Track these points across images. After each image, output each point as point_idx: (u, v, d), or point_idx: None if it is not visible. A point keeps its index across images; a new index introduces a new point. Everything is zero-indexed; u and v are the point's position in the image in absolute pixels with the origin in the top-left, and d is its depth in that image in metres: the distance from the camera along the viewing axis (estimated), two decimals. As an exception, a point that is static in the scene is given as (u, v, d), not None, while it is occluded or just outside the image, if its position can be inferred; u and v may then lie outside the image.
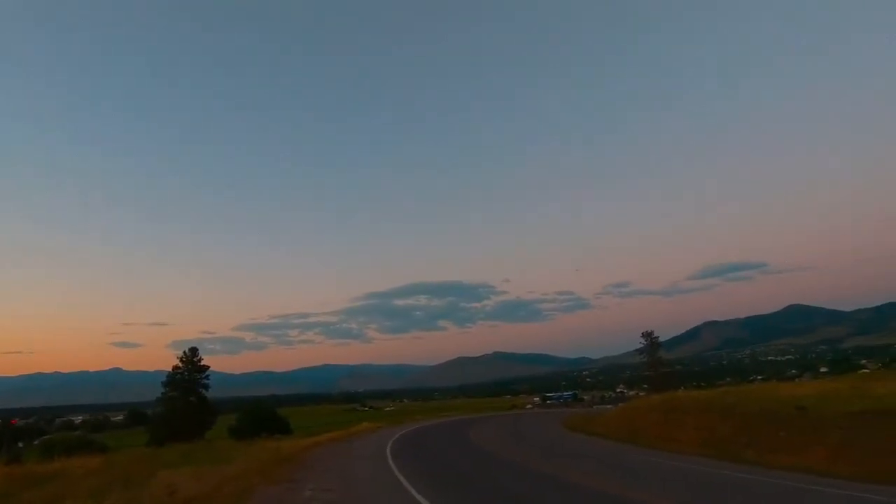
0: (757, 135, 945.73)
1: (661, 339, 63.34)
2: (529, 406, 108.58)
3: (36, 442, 60.24)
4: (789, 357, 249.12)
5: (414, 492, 10.08)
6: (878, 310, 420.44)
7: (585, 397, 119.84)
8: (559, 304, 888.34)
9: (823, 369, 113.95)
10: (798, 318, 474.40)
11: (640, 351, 62.17)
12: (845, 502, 8.50)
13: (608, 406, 62.45)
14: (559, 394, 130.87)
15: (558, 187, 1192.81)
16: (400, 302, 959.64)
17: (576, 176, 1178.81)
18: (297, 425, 54.28)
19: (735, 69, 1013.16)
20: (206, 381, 41.65)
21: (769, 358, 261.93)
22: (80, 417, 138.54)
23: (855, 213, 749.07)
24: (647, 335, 59.25)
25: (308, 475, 13.05)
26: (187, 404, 39.97)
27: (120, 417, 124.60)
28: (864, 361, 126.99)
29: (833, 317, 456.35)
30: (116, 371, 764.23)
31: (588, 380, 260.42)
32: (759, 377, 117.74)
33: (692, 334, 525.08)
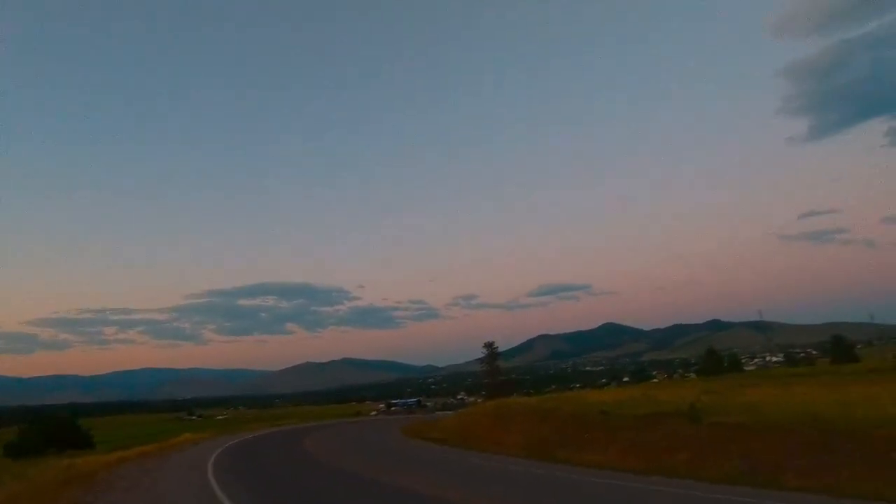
0: (583, 172, 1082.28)
1: (501, 349, 68.44)
2: (374, 413, 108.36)
3: None
4: (601, 368, 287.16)
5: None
6: (668, 330, 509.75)
7: (429, 404, 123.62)
8: (411, 313, 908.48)
9: (626, 379, 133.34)
10: (610, 334, 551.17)
11: (481, 360, 66.35)
12: (620, 491, 10.08)
13: (448, 412, 65.31)
14: (404, 400, 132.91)
15: (416, 198, 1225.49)
16: (245, 302, 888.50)
17: (432, 188, 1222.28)
18: (103, 439, 46.73)
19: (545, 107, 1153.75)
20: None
21: (586, 369, 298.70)
22: None
23: (652, 247, 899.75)
24: (488, 345, 63.51)
25: (102, 499, 11.25)
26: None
27: None
28: (655, 373, 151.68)
29: (636, 334, 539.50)
30: None
31: (433, 387, 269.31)
32: (578, 385, 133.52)
33: (527, 346, 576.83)
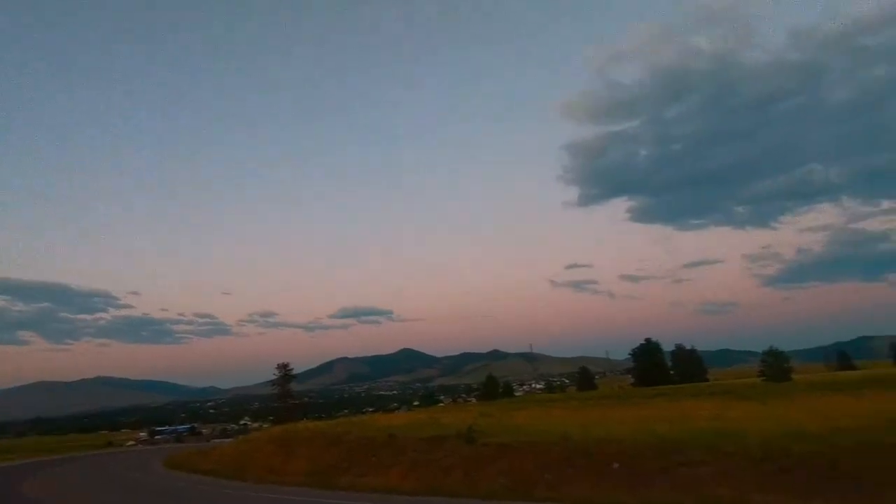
0: (391, 203, 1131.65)
1: (297, 371, 65.24)
2: (132, 443, 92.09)
3: None
4: (394, 392, 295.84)
5: None
6: (458, 357, 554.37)
7: (204, 431, 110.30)
8: (196, 327, 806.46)
9: (416, 403, 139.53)
10: (408, 359, 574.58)
11: (272, 382, 62.13)
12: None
13: (227, 440, 59.09)
14: (173, 427, 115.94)
15: (220, 203, 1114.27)
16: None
17: (228, 195, 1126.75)
18: None
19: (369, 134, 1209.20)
20: None
21: (380, 393, 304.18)
22: None
23: (449, 281, 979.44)
24: (282, 366, 59.95)
25: None
26: None
27: None
28: (442, 398, 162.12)
29: (430, 361, 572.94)
30: None
31: (212, 411, 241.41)
32: (371, 409, 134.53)
33: (326, 368, 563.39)
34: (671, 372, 80.00)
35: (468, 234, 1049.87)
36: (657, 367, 79.29)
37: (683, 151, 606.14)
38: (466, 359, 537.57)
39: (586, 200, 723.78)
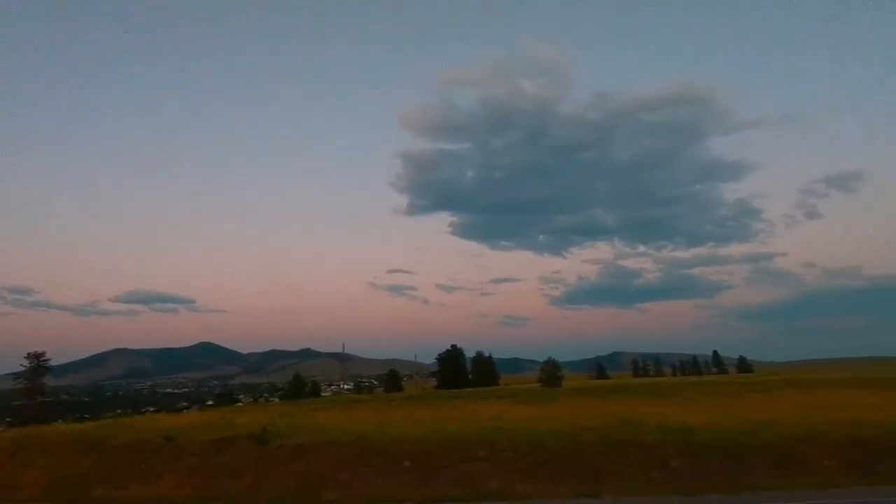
0: (202, 187, 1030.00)
1: (59, 362, 53.70)
2: None
3: None
4: (185, 390, 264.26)
5: None
6: (265, 355, 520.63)
7: None
8: None
9: (210, 402, 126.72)
10: (205, 354, 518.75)
11: (17, 375, 50.11)
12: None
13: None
14: None
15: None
16: None
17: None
18: None
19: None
20: None
21: (168, 391, 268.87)
22: None
23: (264, 274, 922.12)
24: (34, 356, 48.84)
25: None
26: None
27: None
28: (241, 397, 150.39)
29: (233, 357, 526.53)
30: None
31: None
32: (152, 409, 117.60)
33: (97, 360, 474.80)
34: (470, 376, 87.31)
35: (290, 228, 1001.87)
36: (458, 371, 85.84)
37: (504, 179, 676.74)
38: (274, 356, 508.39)
39: (414, 210, 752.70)
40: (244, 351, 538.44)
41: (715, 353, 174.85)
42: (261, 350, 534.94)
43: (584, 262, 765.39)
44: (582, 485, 10.77)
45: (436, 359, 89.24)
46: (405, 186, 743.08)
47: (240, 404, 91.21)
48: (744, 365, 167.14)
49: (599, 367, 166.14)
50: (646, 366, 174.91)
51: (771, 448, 11.72)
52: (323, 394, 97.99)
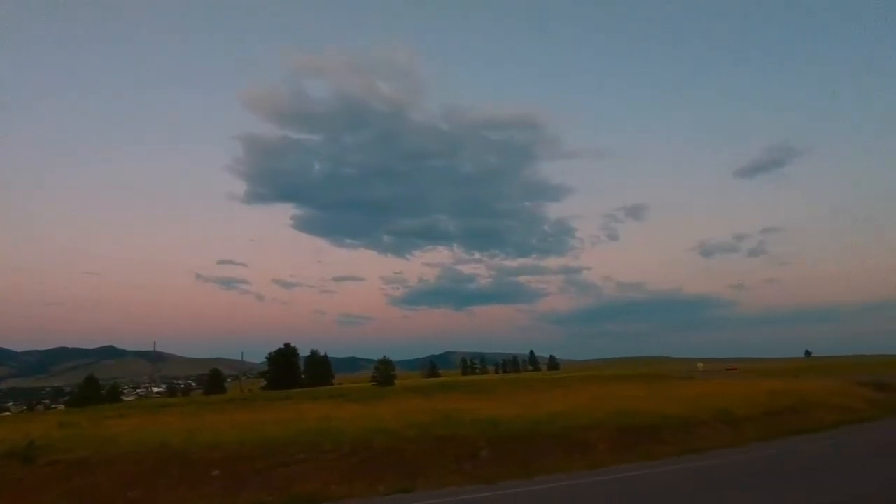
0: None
1: None
2: None
3: None
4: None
5: None
6: (49, 353, 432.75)
7: None
8: None
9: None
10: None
11: None
12: None
13: None
14: None
15: None
16: None
17: None
18: None
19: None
20: None
21: None
22: None
23: (63, 256, 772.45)
24: None
25: None
26: None
27: None
28: (11, 404, 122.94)
29: (2, 356, 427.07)
30: None
31: None
32: None
33: None
34: (303, 376, 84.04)
35: (98, 204, 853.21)
36: (291, 371, 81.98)
37: (353, 176, 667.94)
38: (62, 355, 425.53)
39: (253, 198, 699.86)
40: (18, 349, 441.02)
41: (531, 352, 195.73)
42: (42, 348, 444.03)
43: (425, 264, 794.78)
44: (399, 481, 11.12)
45: (266, 358, 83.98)
46: (245, 172, 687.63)
47: (7, 413, 74.32)
48: (553, 363, 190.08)
49: (432, 365, 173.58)
50: (473, 364, 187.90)
51: (563, 435, 13.55)
52: (125, 398, 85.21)
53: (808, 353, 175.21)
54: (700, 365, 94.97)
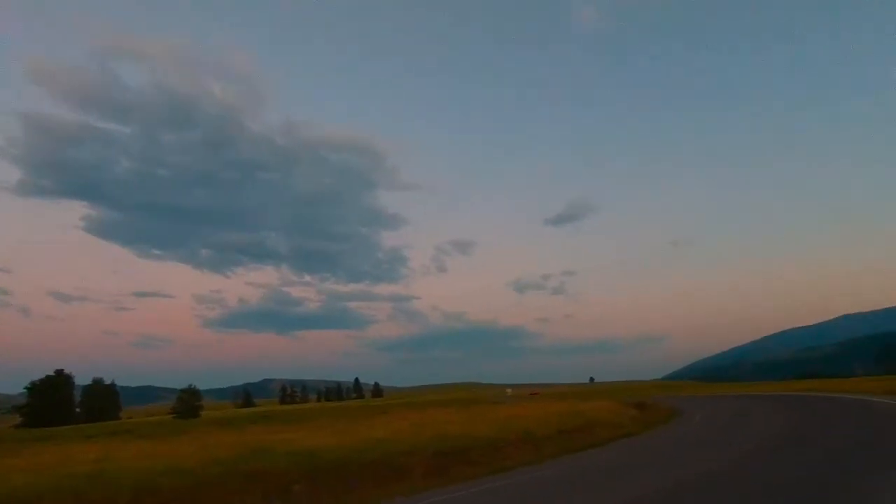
0: None
1: None
2: None
3: None
4: None
5: None
6: None
7: None
8: None
9: None
10: None
11: None
12: None
13: None
14: None
15: None
16: None
17: None
18: None
19: None
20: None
21: None
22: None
23: None
24: None
25: None
26: None
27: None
28: None
29: None
30: None
31: None
32: None
33: None
34: (78, 410, 69.64)
35: None
36: (62, 404, 67.39)
37: (169, 179, 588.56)
38: None
39: (29, 190, 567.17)
40: None
41: (356, 380, 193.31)
42: None
43: (249, 284, 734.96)
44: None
45: (26, 388, 67.63)
46: (21, 157, 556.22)
47: None
48: (377, 390, 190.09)
49: (246, 394, 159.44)
50: (293, 392, 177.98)
51: (383, 462, 13.40)
52: None
53: (591, 379, 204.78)
54: (509, 390, 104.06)
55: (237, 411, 77.05)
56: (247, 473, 12.23)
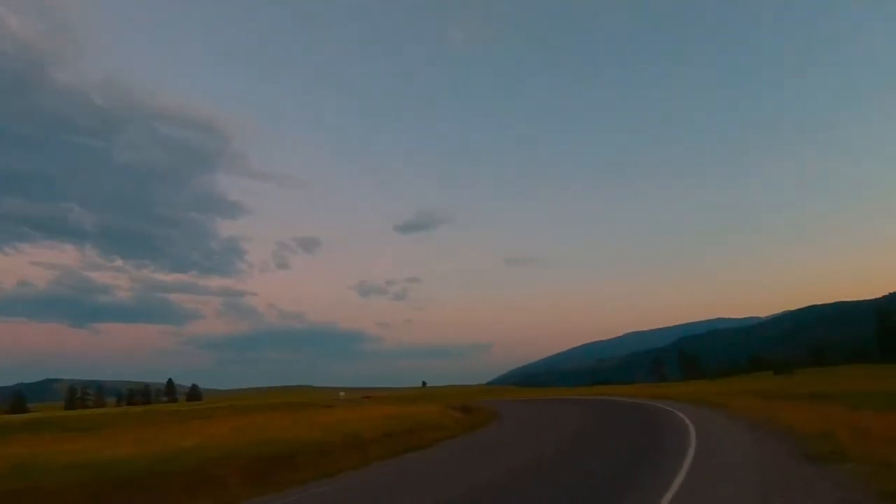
0: None
1: None
2: None
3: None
4: None
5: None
6: None
7: None
8: None
9: None
10: None
11: None
12: None
13: None
14: None
15: None
16: None
17: None
18: None
19: None
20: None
21: None
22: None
23: None
24: None
25: None
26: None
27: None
28: None
29: None
30: None
31: None
32: None
33: None
34: None
35: None
36: None
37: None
38: None
39: None
40: None
41: (170, 381, 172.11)
42: None
43: (36, 263, 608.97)
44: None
45: None
46: None
47: None
48: (195, 393, 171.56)
49: (19, 397, 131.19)
50: (85, 395, 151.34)
51: (192, 472, 12.13)
52: None
53: (424, 383, 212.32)
54: (342, 394, 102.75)
55: (3, 418, 62.69)
56: (6, 494, 10.06)
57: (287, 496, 10.91)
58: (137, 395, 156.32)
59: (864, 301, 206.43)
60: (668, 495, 8.01)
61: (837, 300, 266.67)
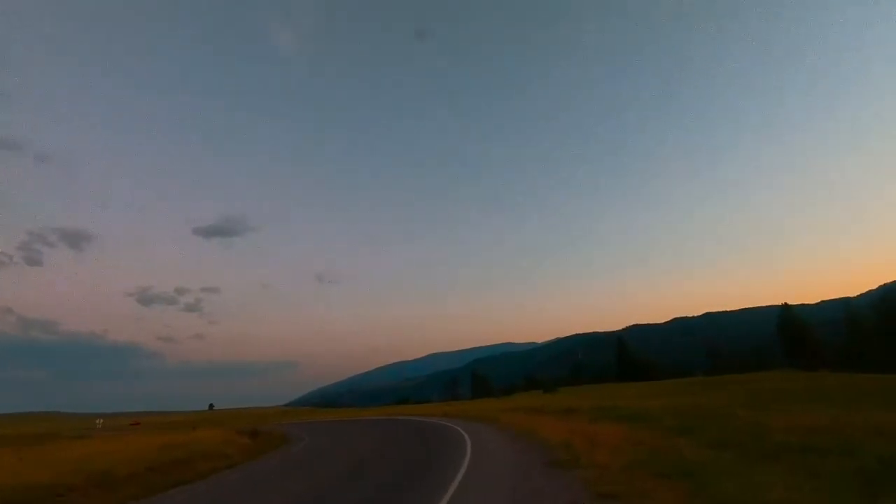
0: None
1: None
2: None
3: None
4: None
5: None
6: None
7: None
8: None
9: None
10: None
11: None
12: None
13: None
14: None
15: None
16: None
17: None
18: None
19: None
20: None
21: None
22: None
23: None
24: None
25: None
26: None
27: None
28: None
29: None
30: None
31: None
32: None
33: None
34: None
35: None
36: None
37: None
38: None
39: None
40: None
41: None
42: None
43: None
44: None
45: None
46: None
47: None
48: None
49: None
50: None
51: None
52: None
53: (211, 406, 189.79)
54: (99, 421, 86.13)
55: None
56: None
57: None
58: None
59: (611, 332, 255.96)
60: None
61: (592, 330, 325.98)
